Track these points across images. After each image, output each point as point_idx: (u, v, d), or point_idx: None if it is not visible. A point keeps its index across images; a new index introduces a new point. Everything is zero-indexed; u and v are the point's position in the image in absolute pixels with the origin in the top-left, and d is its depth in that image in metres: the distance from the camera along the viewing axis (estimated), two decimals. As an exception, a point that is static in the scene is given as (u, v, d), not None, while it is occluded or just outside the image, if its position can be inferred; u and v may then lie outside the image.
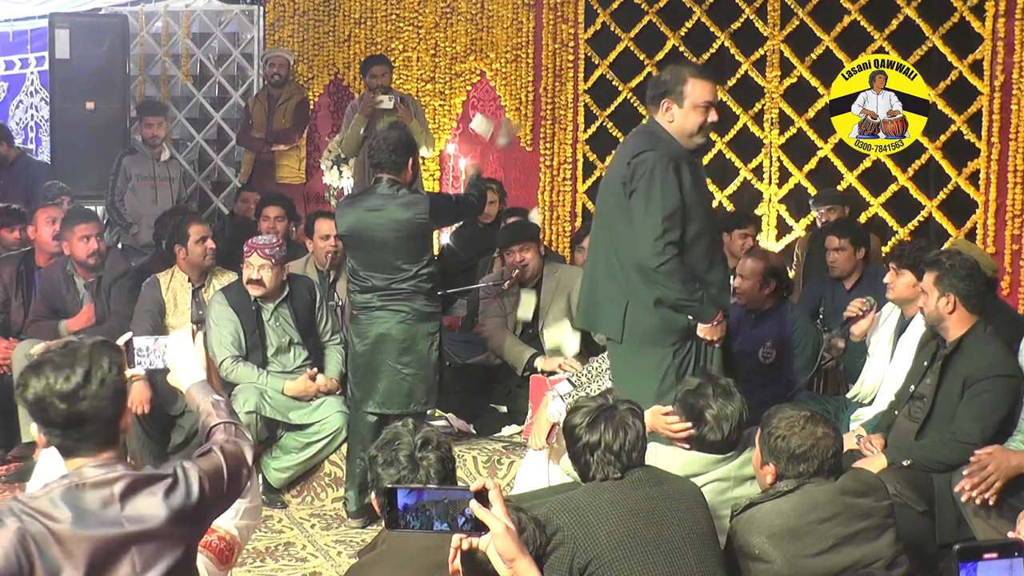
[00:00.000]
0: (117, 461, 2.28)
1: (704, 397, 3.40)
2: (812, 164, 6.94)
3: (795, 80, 6.85)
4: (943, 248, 5.00)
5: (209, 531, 2.69)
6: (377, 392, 4.91)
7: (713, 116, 3.88)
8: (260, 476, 3.03)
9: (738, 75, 7.09)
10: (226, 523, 2.79)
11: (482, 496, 2.03)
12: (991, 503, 3.64)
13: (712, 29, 7.15)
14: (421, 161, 7.03)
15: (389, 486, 2.02)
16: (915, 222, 6.61)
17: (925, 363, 4.10)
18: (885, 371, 4.65)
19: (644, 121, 4.20)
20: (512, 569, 2.08)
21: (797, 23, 6.89)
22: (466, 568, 2.25)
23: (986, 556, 1.70)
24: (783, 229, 7.07)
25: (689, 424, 3.40)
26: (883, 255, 6.21)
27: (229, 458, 2.43)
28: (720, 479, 3.38)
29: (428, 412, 5.15)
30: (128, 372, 2.41)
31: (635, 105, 7.43)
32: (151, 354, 2.85)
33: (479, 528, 2.03)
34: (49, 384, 2.21)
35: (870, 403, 4.64)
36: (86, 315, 5.66)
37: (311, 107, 8.52)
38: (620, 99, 7.49)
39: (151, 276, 5.69)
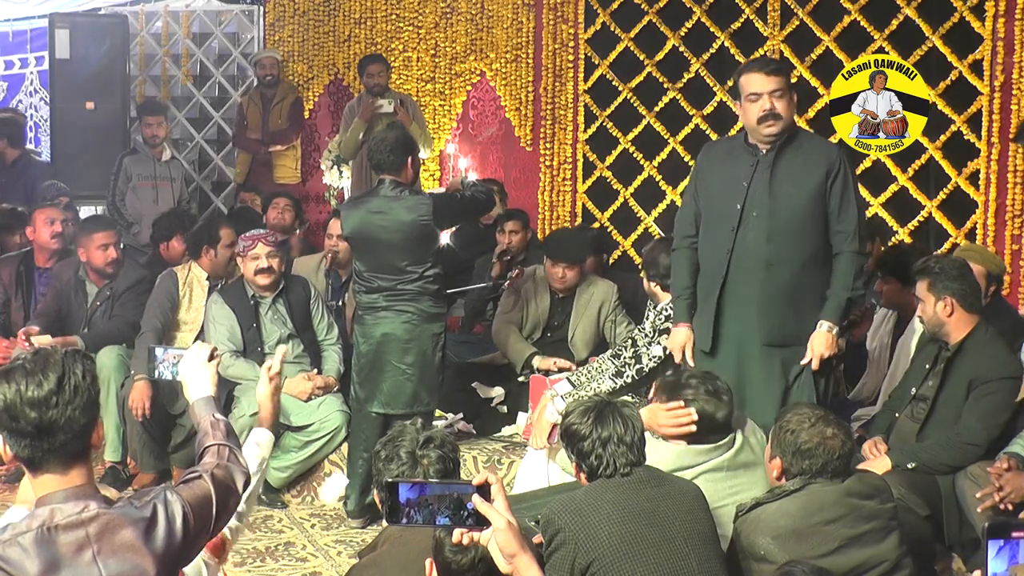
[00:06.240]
0: (89, 490, 2.15)
1: (688, 387, 3.39)
2: (812, 164, 6.93)
3: (795, 80, 6.85)
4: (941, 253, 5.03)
5: None
6: (381, 392, 4.91)
7: (765, 104, 3.89)
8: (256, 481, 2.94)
9: (738, 75, 7.08)
10: None
11: (484, 491, 2.03)
12: (1010, 508, 3.64)
13: (712, 29, 7.15)
14: (421, 162, 7.04)
15: (390, 480, 2.02)
16: (915, 222, 6.60)
17: (927, 365, 4.09)
18: (886, 373, 4.66)
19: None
20: (512, 565, 2.08)
21: (797, 23, 6.89)
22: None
23: (1015, 534, 1.71)
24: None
25: (692, 411, 3.34)
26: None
27: (219, 486, 2.30)
28: (714, 469, 3.37)
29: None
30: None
31: (635, 105, 7.42)
32: (161, 364, 2.84)
33: (481, 522, 2.03)
34: (20, 391, 2.08)
35: (872, 403, 4.66)
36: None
37: (311, 106, 8.54)
38: (620, 99, 7.49)
39: (167, 269, 5.68)
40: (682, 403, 3.35)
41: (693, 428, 3.33)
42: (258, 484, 2.89)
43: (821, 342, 3.89)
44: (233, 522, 2.76)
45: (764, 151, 3.97)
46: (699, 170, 4.21)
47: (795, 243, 3.91)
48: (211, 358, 2.66)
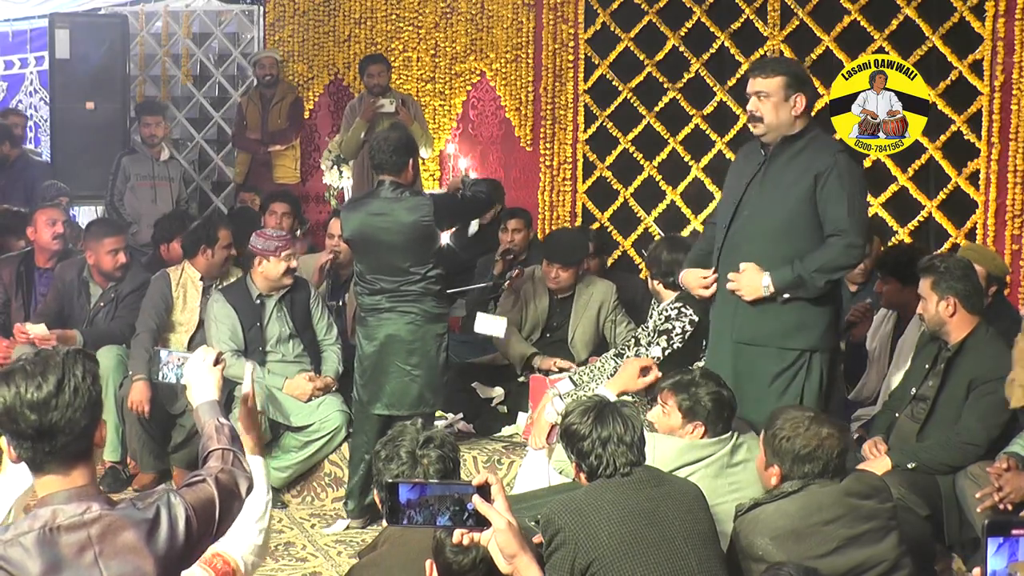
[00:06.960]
0: (91, 491, 2.14)
1: (698, 385, 3.47)
2: (812, 164, 6.93)
3: (795, 80, 6.84)
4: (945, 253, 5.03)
5: (214, 555, 2.60)
6: (385, 393, 4.91)
7: (750, 106, 3.94)
8: (268, 517, 2.91)
9: (738, 75, 7.08)
10: (235, 552, 2.68)
11: (484, 491, 2.03)
12: (1009, 508, 3.64)
13: (712, 29, 7.15)
14: (421, 162, 7.04)
15: (391, 480, 2.02)
16: (915, 222, 6.60)
17: (927, 365, 4.09)
18: (886, 373, 4.66)
19: None
20: (513, 565, 2.08)
21: (797, 23, 6.89)
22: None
23: (1015, 532, 1.71)
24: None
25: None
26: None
27: (222, 490, 2.29)
28: (714, 463, 3.40)
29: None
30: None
31: (635, 105, 7.42)
32: (165, 367, 2.85)
33: (481, 523, 2.03)
34: (19, 393, 2.07)
35: (872, 403, 4.66)
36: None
37: (311, 106, 8.54)
38: (620, 99, 7.48)
39: (160, 270, 5.67)
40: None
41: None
42: (267, 511, 2.84)
43: (745, 276, 3.87)
44: (250, 557, 2.73)
45: (771, 152, 3.98)
46: (730, 167, 4.31)
47: (775, 244, 3.89)
48: (216, 362, 2.66)
